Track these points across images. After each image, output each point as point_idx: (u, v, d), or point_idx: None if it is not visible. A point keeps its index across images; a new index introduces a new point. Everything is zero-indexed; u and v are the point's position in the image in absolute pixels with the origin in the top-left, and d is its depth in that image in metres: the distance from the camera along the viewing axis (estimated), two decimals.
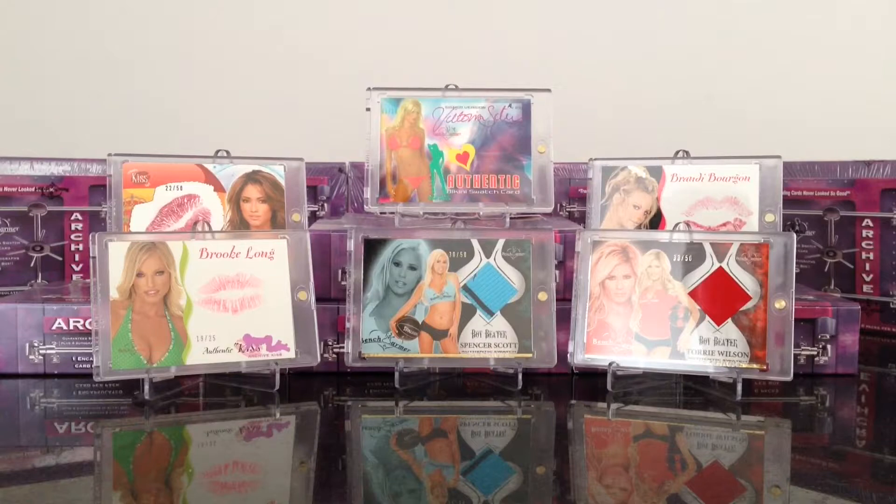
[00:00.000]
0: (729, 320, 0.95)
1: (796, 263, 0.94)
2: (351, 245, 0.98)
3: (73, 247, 1.25)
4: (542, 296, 0.98)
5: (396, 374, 0.96)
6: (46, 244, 1.24)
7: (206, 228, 0.97)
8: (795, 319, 0.93)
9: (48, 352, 0.99)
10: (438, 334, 0.98)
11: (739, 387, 0.91)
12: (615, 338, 0.97)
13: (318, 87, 1.66)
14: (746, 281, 0.95)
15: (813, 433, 0.86)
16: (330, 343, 1.01)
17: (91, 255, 0.91)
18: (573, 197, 1.33)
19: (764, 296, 0.94)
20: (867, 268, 1.24)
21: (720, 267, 0.96)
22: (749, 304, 0.94)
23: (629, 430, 0.85)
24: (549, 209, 1.06)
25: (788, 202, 1.26)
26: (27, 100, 1.66)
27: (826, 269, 1.27)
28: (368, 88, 1.07)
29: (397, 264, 0.99)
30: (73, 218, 1.25)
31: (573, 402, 0.95)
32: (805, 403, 0.94)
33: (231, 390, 0.95)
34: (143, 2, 1.67)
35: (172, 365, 0.92)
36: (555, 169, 1.08)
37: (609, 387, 0.94)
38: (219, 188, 1.05)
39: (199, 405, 0.93)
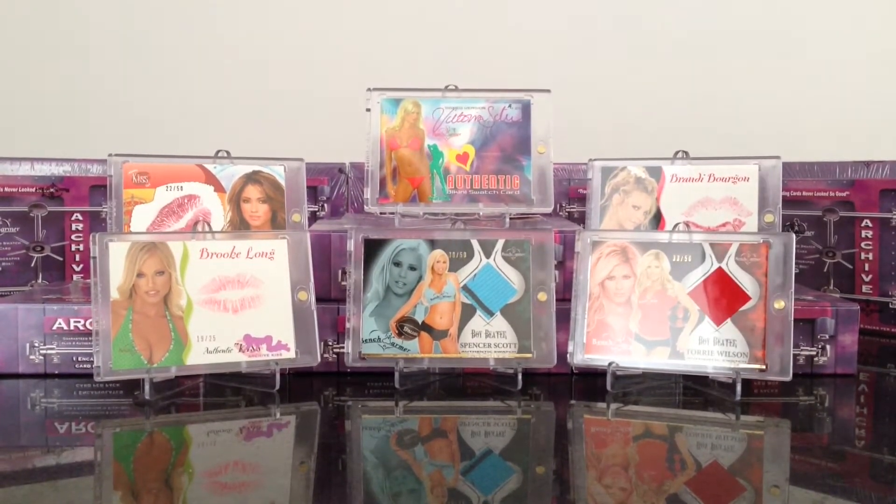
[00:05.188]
0: (728, 320, 0.95)
1: (795, 264, 0.95)
2: (351, 245, 0.98)
3: (73, 247, 1.25)
4: (542, 296, 0.98)
5: (396, 375, 0.96)
6: (47, 244, 1.24)
7: (207, 229, 0.97)
8: (795, 319, 0.94)
9: (49, 352, 0.99)
10: (438, 334, 0.98)
11: (739, 387, 0.91)
12: (615, 338, 0.97)
13: (318, 88, 1.66)
14: (746, 281, 0.95)
15: (812, 433, 0.86)
16: (330, 343, 1.01)
17: (91, 255, 0.91)
18: (573, 197, 1.33)
19: (763, 296, 0.94)
20: (866, 268, 1.24)
21: (719, 267, 0.96)
22: (748, 305, 0.95)
23: (629, 430, 0.85)
24: (549, 209, 1.06)
25: (788, 202, 1.26)
26: (27, 100, 1.66)
27: (825, 270, 1.27)
28: (368, 89, 1.07)
29: (397, 264, 0.99)
30: (73, 218, 1.25)
31: (573, 402, 0.95)
32: (804, 403, 0.94)
33: (231, 390, 0.96)
34: (143, 2, 1.68)
35: (173, 365, 0.92)
36: (554, 169, 1.08)
37: (609, 387, 0.95)
38: (219, 188, 1.05)
39: (199, 405, 0.93)
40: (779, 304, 0.93)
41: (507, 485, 0.70)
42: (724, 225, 1.07)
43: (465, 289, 0.99)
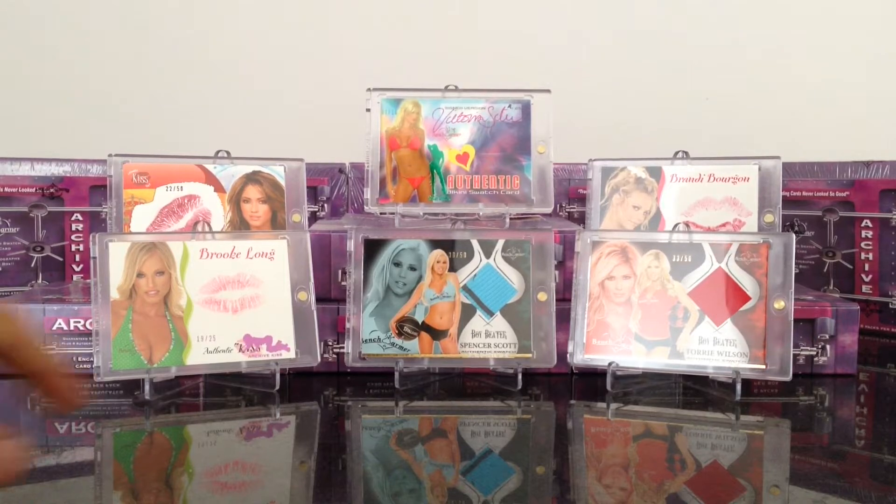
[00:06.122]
0: (728, 320, 0.95)
1: (795, 264, 0.95)
2: (351, 245, 0.98)
3: (73, 247, 1.25)
4: (542, 296, 0.98)
5: (396, 374, 0.96)
6: (47, 244, 1.24)
7: (207, 229, 0.97)
8: (795, 319, 0.94)
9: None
10: (438, 334, 0.98)
11: (739, 387, 0.91)
12: (615, 338, 0.97)
13: (318, 88, 1.66)
14: (746, 281, 0.95)
15: (812, 433, 0.86)
16: (330, 343, 1.01)
17: (91, 255, 0.91)
18: (573, 197, 1.33)
19: (763, 296, 0.94)
20: (866, 268, 1.24)
21: (719, 267, 0.96)
22: (748, 305, 0.95)
23: (629, 430, 0.85)
24: (549, 210, 1.06)
25: (788, 203, 1.26)
26: (27, 100, 1.66)
27: (825, 270, 1.27)
28: (368, 89, 1.07)
29: (397, 265, 0.99)
30: (73, 218, 1.25)
31: (573, 402, 0.95)
32: (804, 403, 0.94)
33: (231, 390, 0.96)
34: (143, 2, 1.67)
35: (173, 365, 0.92)
36: (554, 169, 1.08)
37: (609, 387, 0.95)
38: (219, 188, 1.05)
39: (199, 405, 0.93)
40: (779, 304, 0.93)
41: (507, 485, 0.70)
42: (724, 225, 1.07)
43: (465, 289, 0.99)
